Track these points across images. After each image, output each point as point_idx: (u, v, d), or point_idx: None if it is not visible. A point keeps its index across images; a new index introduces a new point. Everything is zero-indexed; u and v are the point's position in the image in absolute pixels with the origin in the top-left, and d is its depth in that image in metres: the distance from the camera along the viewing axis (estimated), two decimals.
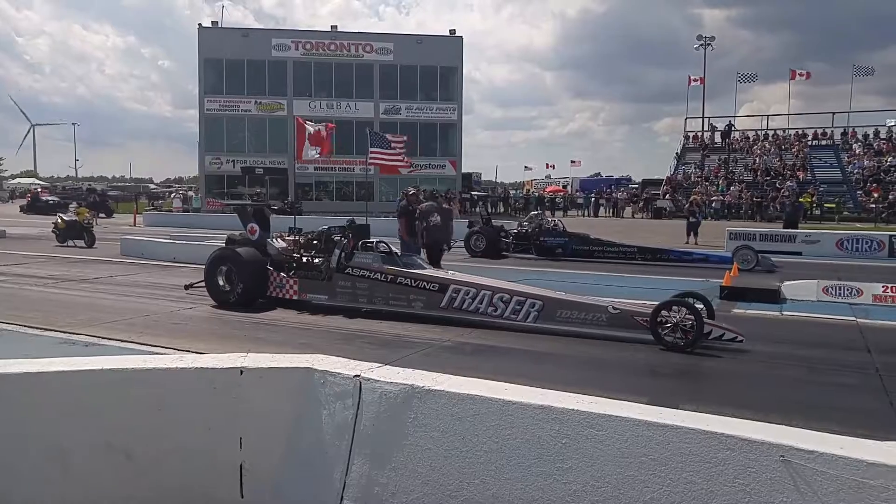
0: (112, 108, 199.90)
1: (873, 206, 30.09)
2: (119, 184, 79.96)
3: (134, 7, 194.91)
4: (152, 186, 74.64)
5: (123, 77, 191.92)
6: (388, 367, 2.84)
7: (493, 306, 7.12)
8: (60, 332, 6.87)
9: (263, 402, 2.78)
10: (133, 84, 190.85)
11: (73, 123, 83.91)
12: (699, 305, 6.29)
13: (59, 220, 17.58)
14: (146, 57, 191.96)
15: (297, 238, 9.02)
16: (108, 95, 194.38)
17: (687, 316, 6.11)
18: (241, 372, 2.77)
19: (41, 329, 7.00)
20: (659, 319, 6.23)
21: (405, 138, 14.11)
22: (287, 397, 2.79)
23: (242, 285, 8.34)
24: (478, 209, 22.21)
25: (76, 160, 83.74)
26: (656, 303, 6.45)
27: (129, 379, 2.77)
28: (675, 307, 6.23)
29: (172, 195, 46.52)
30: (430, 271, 7.87)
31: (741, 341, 6.14)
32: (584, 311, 6.69)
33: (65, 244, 17.02)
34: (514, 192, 54.73)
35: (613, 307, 6.63)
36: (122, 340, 6.46)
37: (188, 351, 5.76)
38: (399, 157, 13.25)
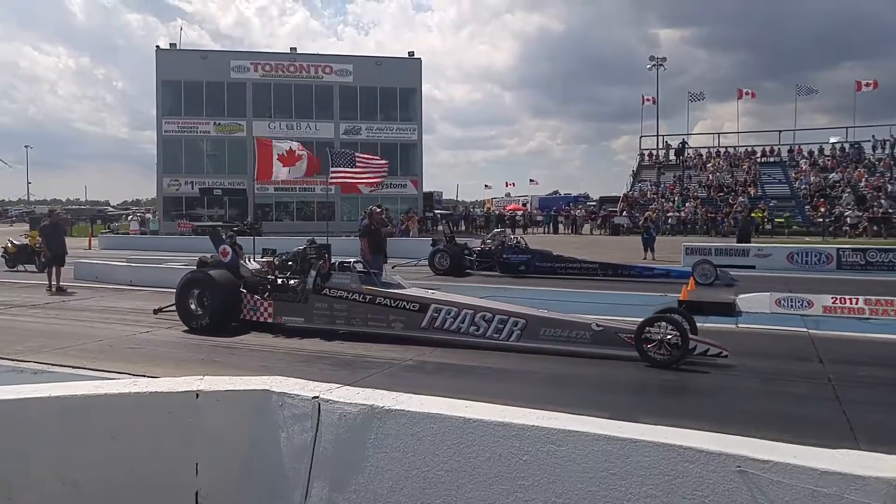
0: (65, 130, 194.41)
1: (820, 220, 31.25)
2: (74, 206, 77.54)
3: (86, 28, 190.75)
4: (109, 209, 72.64)
5: (77, 98, 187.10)
6: (347, 387, 2.81)
7: (476, 325, 6.96)
8: (8, 359, 6.60)
9: (220, 426, 2.71)
10: (87, 105, 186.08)
11: (26, 146, 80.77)
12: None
13: (10, 245, 16.96)
14: (100, 78, 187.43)
15: (271, 259, 8.63)
16: (60, 117, 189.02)
17: (671, 331, 6.05)
18: (197, 395, 2.70)
19: None
20: (644, 336, 6.13)
21: (385, 162, 14.06)
22: (244, 420, 2.73)
23: (214, 309, 8.06)
24: (440, 227, 22.23)
25: (28, 183, 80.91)
26: (633, 318, 6.42)
27: (79, 406, 2.67)
28: (659, 323, 6.16)
29: (129, 217, 45.43)
30: (409, 291, 7.64)
31: (726, 356, 6.05)
32: (568, 329, 6.56)
33: (14, 269, 16.40)
34: (476, 210, 55.08)
35: (597, 324, 6.53)
36: (73, 367, 6.23)
37: (143, 376, 5.59)
38: (368, 175, 13.11)
